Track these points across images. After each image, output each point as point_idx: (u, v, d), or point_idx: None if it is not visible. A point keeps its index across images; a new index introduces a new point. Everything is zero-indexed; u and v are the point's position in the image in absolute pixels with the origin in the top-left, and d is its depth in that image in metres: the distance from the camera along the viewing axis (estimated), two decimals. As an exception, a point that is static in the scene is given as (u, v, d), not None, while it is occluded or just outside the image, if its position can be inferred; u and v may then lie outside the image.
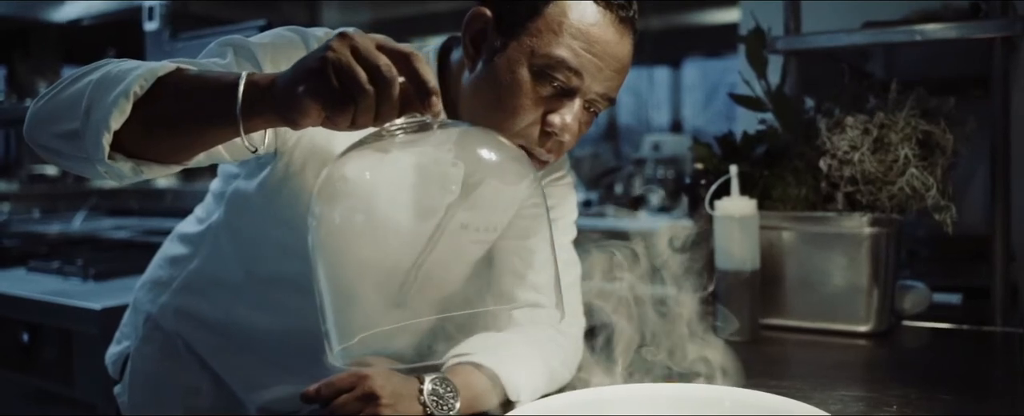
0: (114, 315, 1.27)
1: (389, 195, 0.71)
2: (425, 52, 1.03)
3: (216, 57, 0.88)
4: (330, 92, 0.64)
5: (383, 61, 0.64)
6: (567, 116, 0.93)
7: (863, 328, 1.41)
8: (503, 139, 0.75)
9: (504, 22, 0.93)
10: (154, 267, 1.20)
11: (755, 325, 1.40)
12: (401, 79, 0.66)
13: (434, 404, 0.93)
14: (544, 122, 0.93)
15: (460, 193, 1.05)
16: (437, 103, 0.66)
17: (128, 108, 0.70)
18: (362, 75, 0.63)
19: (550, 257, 1.14)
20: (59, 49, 3.23)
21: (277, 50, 0.89)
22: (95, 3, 2.74)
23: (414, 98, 0.66)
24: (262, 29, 2.00)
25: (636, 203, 3.50)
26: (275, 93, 0.67)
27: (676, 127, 4.46)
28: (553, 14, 0.91)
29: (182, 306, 1.13)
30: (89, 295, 1.87)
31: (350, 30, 0.98)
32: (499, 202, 1.10)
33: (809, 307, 1.43)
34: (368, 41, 0.65)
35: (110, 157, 0.72)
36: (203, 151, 0.77)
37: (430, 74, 0.66)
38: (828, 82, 1.61)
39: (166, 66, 0.73)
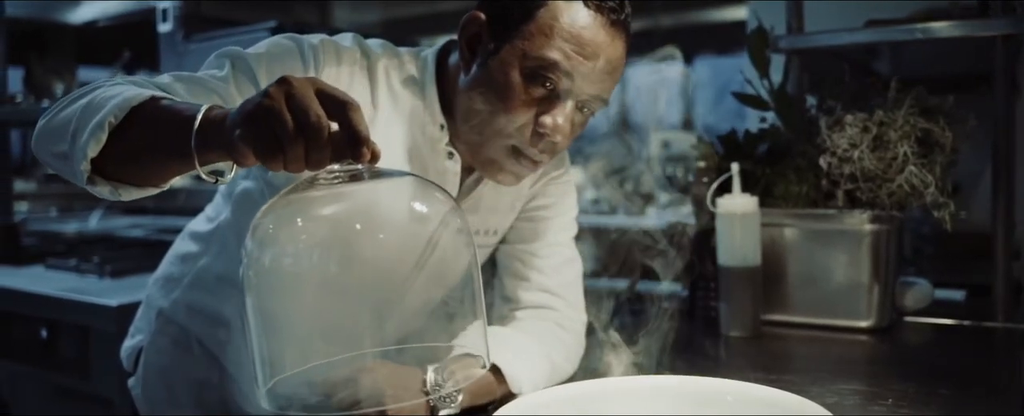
0: (130, 311, 1.30)
1: (329, 237, 0.69)
2: (423, 56, 1.06)
3: (215, 69, 0.92)
4: (259, 137, 0.65)
5: (314, 110, 0.64)
6: (559, 117, 0.95)
7: (864, 324, 1.42)
8: (437, 190, 0.74)
9: (497, 25, 0.96)
10: (166, 264, 1.23)
11: (757, 321, 1.42)
12: (335, 127, 0.65)
13: (437, 396, 0.96)
14: (536, 123, 0.96)
15: (458, 195, 1.07)
16: (367, 153, 0.66)
17: (104, 137, 0.73)
18: (290, 123, 0.63)
19: (550, 263, 1.16)
20: (75, 50, 3.26)
21: (272, 59, 0.93)
22: (110, 4, 2.78)
23: (344, 147, 0.65)
24: (273, 30, 2.03)
25: (645, 201, 3.52)
26: (223, 131, 0.68)
27: (688, 125, 4.46)
28: (545, 17, 0.93)
29: (192, 302, 1.16)
30: (105, 292, 1.91)
31: (325, 38, 1.00)
32: (499, 205, 1.13)
33: (810, 303, 1.45)
34: (307, 87, 0.65)
35: (91, 180, 0.76)
36: (173, 177, 0.79)
37: (363, 124, 0.66)
38: (834, 81, 1.63)
39: (141, 95, 0.75)
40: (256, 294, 0.68)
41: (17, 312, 2.06)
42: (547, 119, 0.95)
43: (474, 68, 0.98)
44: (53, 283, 2.06)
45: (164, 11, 2.28)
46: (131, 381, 1.24)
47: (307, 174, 0.68)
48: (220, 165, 0.74)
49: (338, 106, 0.65)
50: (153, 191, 0.80)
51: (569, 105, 0.96)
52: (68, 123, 0.77)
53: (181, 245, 1.22)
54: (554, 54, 0.93)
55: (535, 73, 0.94)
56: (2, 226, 2.54)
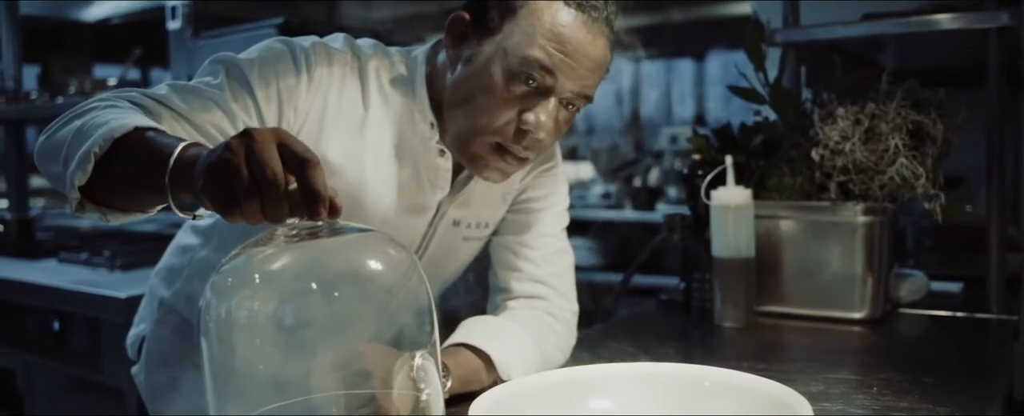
0: (139, 303, 1.34)
1: (283, 296, 0.68)
2: (414, 56, 1.08)
3: (209, 76, 0.95)
4: (216, 190, 0.65)
5: (271, 166, 0.63)
6: (541, 114, 0.98)
7: (857, 315, 1.43)
8: (393, 246, 0.72)
9: (481, 25, 0.98)
10: (168, 255, 1.26)
11: (750, 312, 1.43)
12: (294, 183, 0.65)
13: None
14: (520, 120, 0.98)
15: (450, 191, 1.10)
16: (323, 212, 0.65)
17: (90, 168, 0.75)
18: (246, 177, 0.63)
19: (541, 254, 1.18)
20: (89, 47, 3.32)
21: (265, 64, 0.96)
22: (123, 3, 2.83)
23: (300, 205, 0.65)
24: (279, 27, 2.06)
25: (653, 196, 3.54)
26: (193, 174, 0.68)
27: (701, 120, 4.46)
28: (526, 16, 0.95)
29: (193, 293, 1.19)
30: (115, 284, 1.96)
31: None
32: (491, 199, 1.15)
33: (804, 294, 1.46)
34: (268, 141, 0.64)
35: (81, 206, 0.78)
36: (156, 207, 0.80)
37: (321, 182, 0.64)
38: (827, 74, 1.64)
39: (125, 126, 0.76)
40: (212, 344, 0.68)
41: (31, 304, 2.11)
42: (530, 116, 0.98)
43: (459, 67, 1.00)
44: (65, 276, 2.10)
45: (173, 9, 2.32)
46: (134, 369, 1.27)
47: (268, 226, 0.68)
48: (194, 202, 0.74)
49: (297, 163, 0.64)
50: (140, 216, 0.82)
51: (552, 103, 0.98)
52: (61, 146, 0.79)
53: (182, 237, 1.25)
54: (536, 52, 0.95)
55: (517, 71, 0.96)
56: (18, 221, 2.60)
